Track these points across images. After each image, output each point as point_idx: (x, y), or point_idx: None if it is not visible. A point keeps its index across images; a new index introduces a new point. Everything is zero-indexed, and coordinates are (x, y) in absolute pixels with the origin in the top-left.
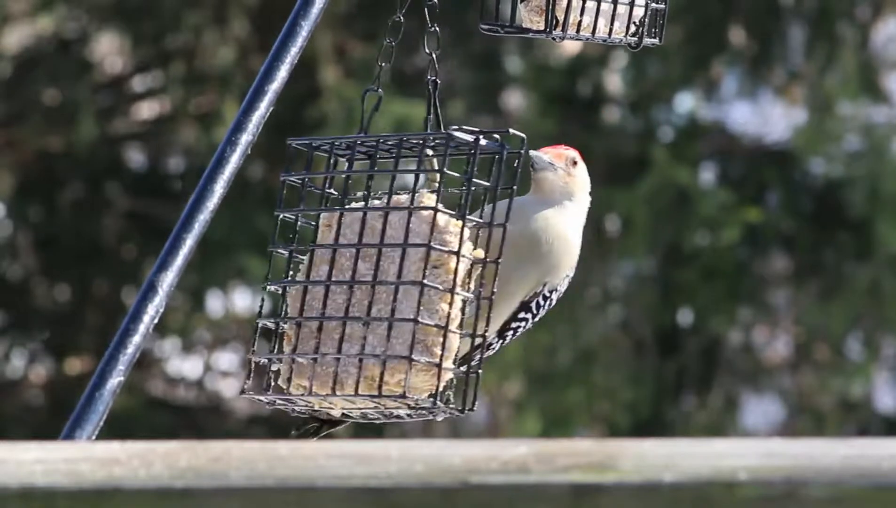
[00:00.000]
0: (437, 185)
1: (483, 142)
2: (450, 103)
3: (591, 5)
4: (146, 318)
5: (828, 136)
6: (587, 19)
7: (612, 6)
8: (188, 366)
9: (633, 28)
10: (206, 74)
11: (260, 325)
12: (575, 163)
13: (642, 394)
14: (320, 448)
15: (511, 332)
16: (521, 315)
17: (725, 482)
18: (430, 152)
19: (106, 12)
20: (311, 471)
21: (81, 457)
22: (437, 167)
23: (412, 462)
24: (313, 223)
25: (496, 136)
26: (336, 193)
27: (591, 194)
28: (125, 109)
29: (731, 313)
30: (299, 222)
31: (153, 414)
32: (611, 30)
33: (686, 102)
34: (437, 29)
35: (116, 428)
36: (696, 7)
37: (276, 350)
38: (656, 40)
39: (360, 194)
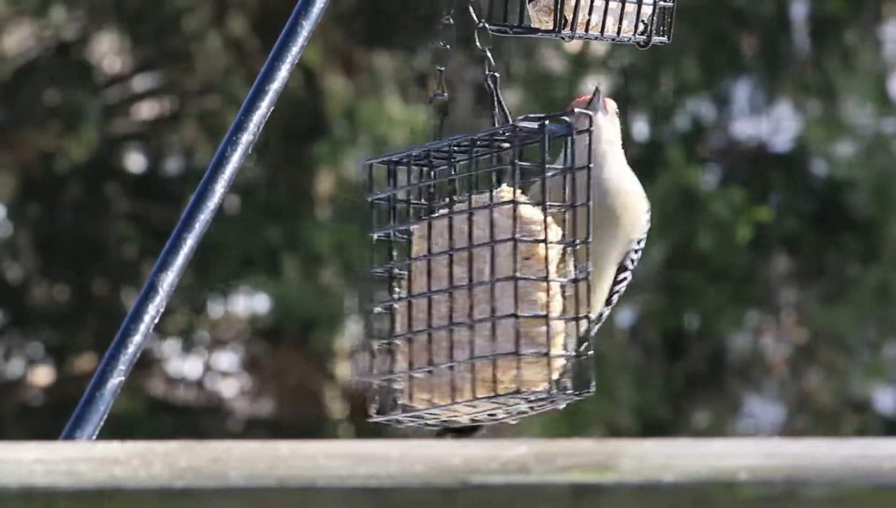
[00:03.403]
0: (514, 177)
1: (550, 127)
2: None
3: (599, 4)
4: (147, 318)
5: (833, 137)
6: (595, 18)
7: (621, 5)
8: (188, 366)
9: (641, 27)
10: (207, 74)
11: (375, 347)
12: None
13: (650, 398)
14: (320, 448)
15: (616, 295)
16: (621, 277)
17: (725, 482)
18: (505, 146)
19: (106, 13)
20: (311, 471)
21: (81, 457)
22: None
23: (412, 462)
24: (405, 238)
25: (563, 118)
26: (423, 202)
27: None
28: (125, 109)
29: (738, 315)
30: (393, 238)
31: (153, 415)
32: (619, 29)
33: (695, 104)
34: (486, 25)
35: (116, 429)
36: (707, 18)
37: (391, 369)
38: (665, 39)
39: (445, 200)
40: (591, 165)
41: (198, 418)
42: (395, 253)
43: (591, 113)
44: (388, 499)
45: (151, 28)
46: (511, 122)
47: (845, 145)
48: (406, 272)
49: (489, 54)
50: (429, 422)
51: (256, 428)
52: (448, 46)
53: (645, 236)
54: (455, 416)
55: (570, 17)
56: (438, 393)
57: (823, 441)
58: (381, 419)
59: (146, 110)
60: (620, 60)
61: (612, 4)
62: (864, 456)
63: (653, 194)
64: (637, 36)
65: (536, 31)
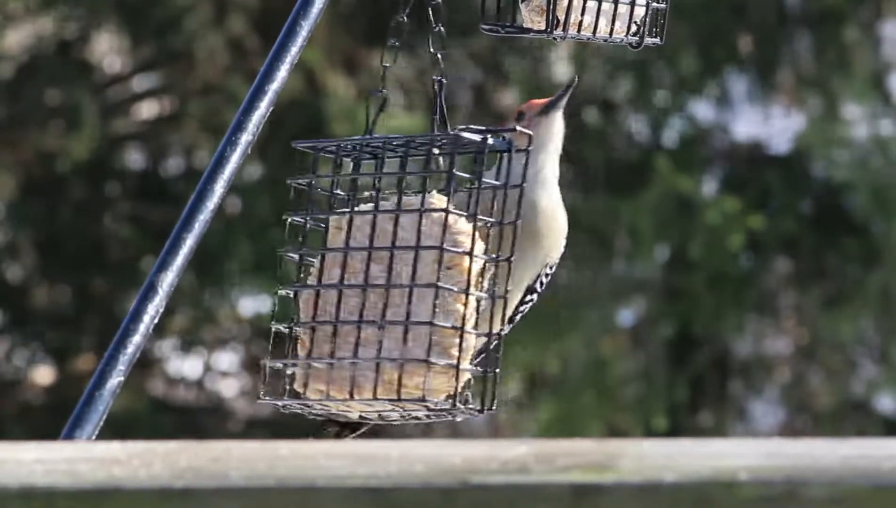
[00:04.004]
0: (445, 185)
1: (490, 141)
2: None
3: (591, 5)
4: (146, 318)
5: (833, 139)
6: (588, 19)
7: (613, 6)
8: (188, 366)
9: (634, 28)
10: (208, 73)
11: (273, 329)
12: (522, 115)
13: (652, 404)
14: (320, 448)
15: (519, 315)
16: (528, 298)
17: (725, 482)
18: (436, 152)
19: (106, 12)
20: (311, 471)
21: (81, 457)
22: (444, 167)
23: (412, 462)
24: (323, 226)
25: (503, 134)
26: (344, 194)
27: (592, 199)
28: (125, 109)
29: (738, 320)
30: (308, 225)
31: (153, 415)
32: (612, 30)
33: (695, 109)
34: (442, 29)
35: (116, 429)
36: (703, 14)
37: (290, 355)
38: (657, 40)
39: (368, 194)
40: (525, 184)
41: (198, 418)
42: (304, 239)
43: (530, 133)
44: (388, 499)
45: (152, 27)
46: (451, 130)
47: (843, 148)
48: (318, 261)
49: (440, 58)
50: (316, 412)
51: (256, 428)
52: (398, 44)
53: (556, 262)
54: (346, 411)
55: (562, 17)
56: (336, 387)
57: (823, 441)
58: (268, 401)
59: (146, 110)
60: (620, 60)
61: (604, 5)
62: (864, 456)
63: (647, 199)
64: (629, 37)
65: (528, 31)
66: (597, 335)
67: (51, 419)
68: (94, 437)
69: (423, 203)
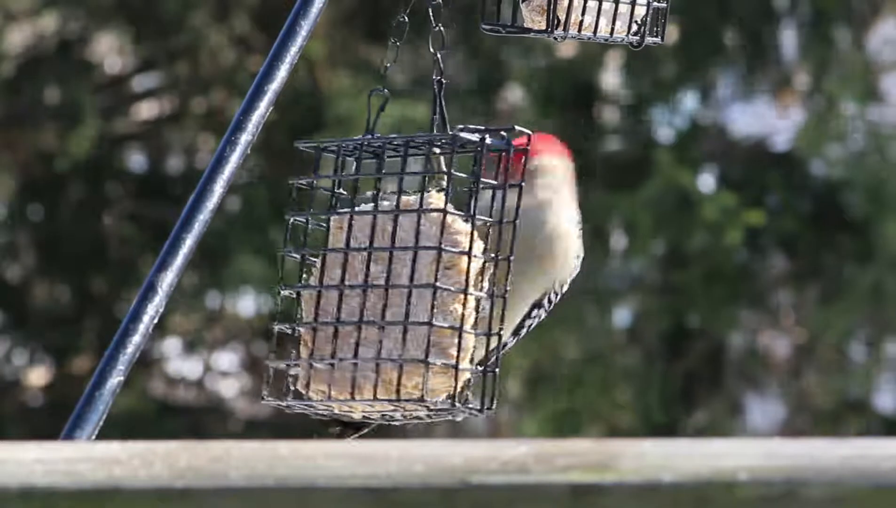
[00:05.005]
0: (444, 184)
1: (489, 140)
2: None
3: (592, 5)
4: (146, 318)
5: (829, 137)
6: (589, 19)
7: (614, 6)
8: (188, 366)
9: (634, 27)
10: (209, 73)
11: (276, 330)
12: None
13: (649, 399)
14: (320, 448)
15: (525, 329)
16: (534, 313)
17: (725, 482)
18: (436, 151)
19: (107, 12)
20: (311, 471)
21: (81, 457)
22: (444, 167)
23: (412, 462)
24: (324, 226)
25: (502, 133)
26: (346, 194)
27: (592, 198)
28: (125, 109)
29: (733, 316)
30: (310, 225)
31: (153, 415)
32: (612, 29)
33: (689, 103)
34: (442, 29)
35: (117, 429)
36: (690, 9)
37: (293, 356)
38: (658, 39)
39: (369, 194)
40: (523, 184)
41: (198, 418)
42: (306, 239)
43: (529, 133)
44: (388, 499)
45: (153, 26)
46: (450, 130)
47: (836, 145)
48: (318, 261)
49: (440, 58)
50: (319, 412)
51: (256, 428)
52: (398, 43)
53: (567, 283)
54: (348, 411)
55: (563, 17)
56: (337, 387)
57: (823, 441)
58: (272, 402)
59: (146, 110)
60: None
61: (605, 5)
62: (864, 456)
63: (645, 194)
64: (630, 36)
65: (529, 30)
66: (593, 332)
67: (51, 419)
68: (93, 437)
69: (421, 203)
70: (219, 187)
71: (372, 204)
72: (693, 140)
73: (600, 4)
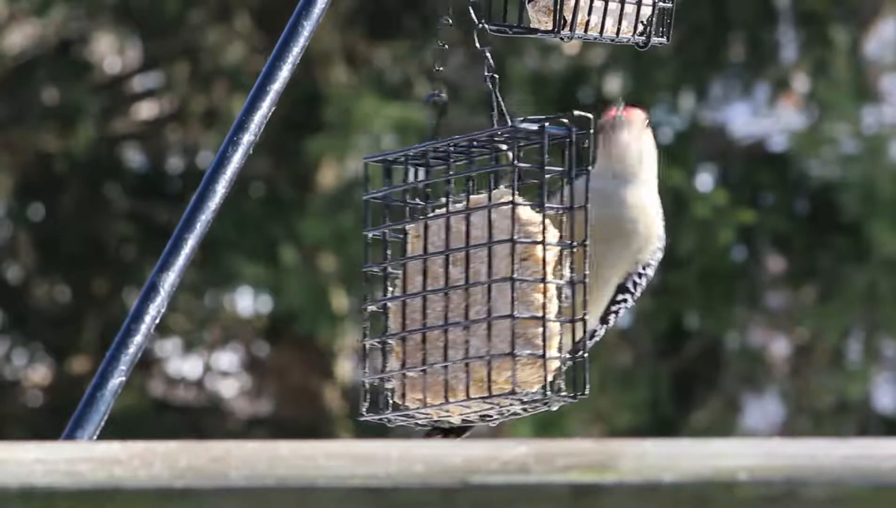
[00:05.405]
0: (512, 178)
1: (550, 129)
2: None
3: (598, 5)
4: (148, 318)
5: (823, 138)
6: (595, 19)
7: (620, 6)
8: (188, 366)
9: (640, 27)
10: (210, 73)
11: (367, 345)
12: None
13: (643, 398)
14: (320, 448)
15: (613, 315)
16: (620, 297)
17: (725, 482)
18: (503, 148)
19: (107, 12)
20: (311, 471)
21: (81, 457)
22: (509, 161)
23: (412, 462)
24: (401, 237)
25: (563, 120)
26: (419, 202)
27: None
28: (125, 109)
29: (728, 315)
30: (388, 238)
31: (153, 415)
32: (618, 29)
33: (686, 104)
34: (486, 25)
35: (116, 429)
36: (688, 12)
37: (384, 368)
38: (664, 39)
39: (442, 200)
40: (590, 168)
41: (198, 418)
42: (388, 252)
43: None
44: (388, 499)
45: (153, 26)
46: (510, 123)
47: (833, 147)
48: (401, 271)
49: (489, 55)
50: (419, 422)
51: (256, 428)
52: (447, 47)
53: (654, 263)
54: (447, 416)
55: (569, 17)
56: (432, 393)
57: (823, 441)
58: (371, 417)
59: (146, 110)
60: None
61: (611, 5)
62: (863, 456)
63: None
64: (636, 37)
65: (536, 31)
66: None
67: (51, 419)
68: (94, 437)
69: (489, 198)
70: (221, 187)
71: (443, 208)
72: (689, 140)
73: (606, 4)
